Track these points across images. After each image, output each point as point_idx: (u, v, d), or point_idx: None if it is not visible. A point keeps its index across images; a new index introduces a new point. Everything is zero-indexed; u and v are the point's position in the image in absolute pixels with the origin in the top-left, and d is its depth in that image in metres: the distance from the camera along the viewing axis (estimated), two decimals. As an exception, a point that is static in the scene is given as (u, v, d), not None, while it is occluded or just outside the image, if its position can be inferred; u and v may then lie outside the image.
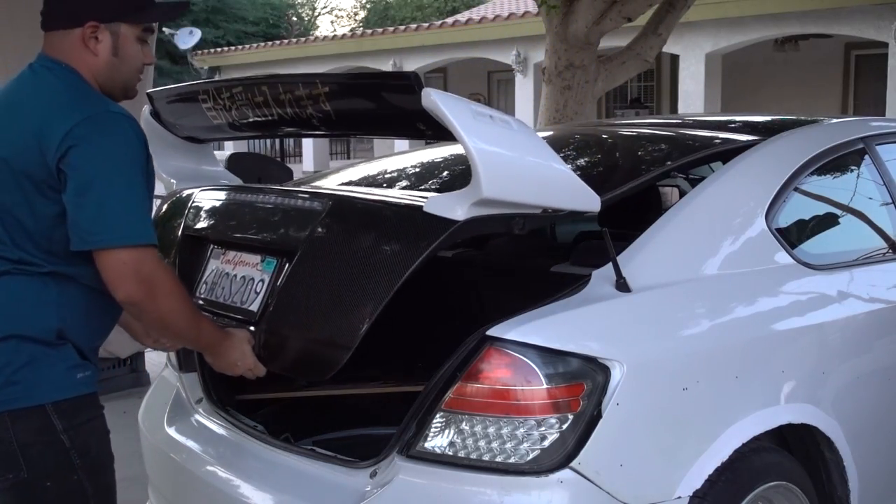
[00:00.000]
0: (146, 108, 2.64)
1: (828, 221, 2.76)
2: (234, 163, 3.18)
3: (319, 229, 2.10)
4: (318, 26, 40.69)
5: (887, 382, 2.56)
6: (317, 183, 3.11)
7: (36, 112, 1.90)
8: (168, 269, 2.02)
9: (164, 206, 2.74)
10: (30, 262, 1.93)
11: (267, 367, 2.14)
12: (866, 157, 2.85)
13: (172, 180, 2.76)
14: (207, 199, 2.56)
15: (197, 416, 2.60)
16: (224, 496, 2.28)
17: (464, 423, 1.91)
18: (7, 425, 1.89)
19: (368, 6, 39.54)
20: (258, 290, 2.24)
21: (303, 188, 2.34)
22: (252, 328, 2.18)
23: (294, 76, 2.09)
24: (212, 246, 2.48)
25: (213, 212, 2.51)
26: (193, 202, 2.59)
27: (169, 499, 2.60)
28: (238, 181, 2.83)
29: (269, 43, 22.80)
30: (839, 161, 2.78)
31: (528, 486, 1.86)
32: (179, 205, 2.65)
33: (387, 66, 18.12)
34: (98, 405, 2.02)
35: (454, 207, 1.83)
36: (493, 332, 1.90)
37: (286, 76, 2.14)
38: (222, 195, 2.54)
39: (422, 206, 1.88)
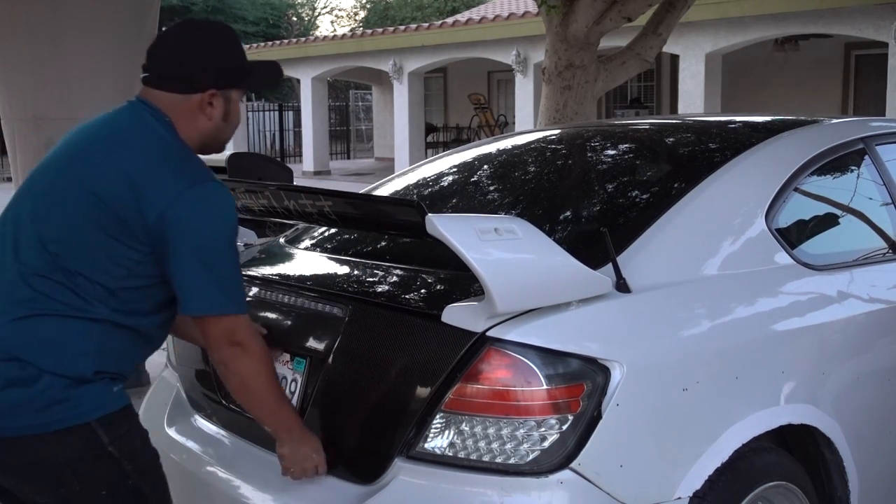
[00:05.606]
0: None
1: (828, 222, 2.75)
2: (233, 162, 3.17)
3: (346, 335, 2.15)
4: (318, 26, 40.73)
5: (887, 383, 2.56)
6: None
7: (140, 158, 1.92)
8: (259, 337, 2.07)
9: None
10: (79, 306, 1.90)
11: None
12: (866, 157, 2.85)
13: None
14: None
15: (197, 417, 2.60)
16: (224, 496, 2.29)
17: (464, 424, 1.91)
18: (52, 445, 1.89)
19: (368, 6, 39.55)
20: (293, 390, 2.27)
21: (319, 288, 2.36)
22: None
23: (298, 189, 2.13)
24: None
25: None
26: None
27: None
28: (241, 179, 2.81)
29: (269, 43, 22.81)
30: (839, 161, 2.78)
31: (528, 487, 1.86)
32: None
33: (387, 66, 18.12)
34: (134, 412, 2.05)
35: (471, 320, 1.90)
36: (493, 332, 1.90)
37: (289, 187, 2.18)
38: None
39: (439, 317, 1.92)
